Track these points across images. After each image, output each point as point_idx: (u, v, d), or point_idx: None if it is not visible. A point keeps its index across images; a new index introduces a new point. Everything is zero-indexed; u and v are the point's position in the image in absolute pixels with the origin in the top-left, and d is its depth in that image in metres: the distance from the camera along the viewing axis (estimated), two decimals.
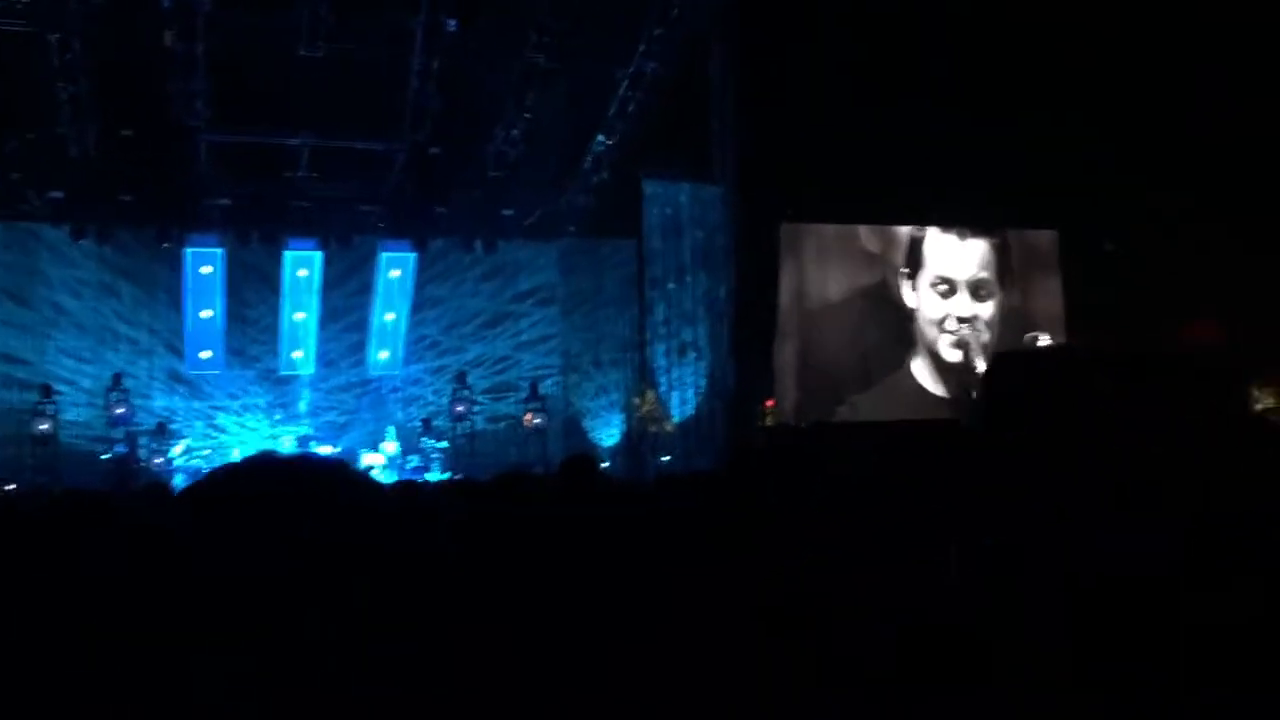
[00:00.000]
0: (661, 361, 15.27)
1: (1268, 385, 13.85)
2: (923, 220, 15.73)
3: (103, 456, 14.36)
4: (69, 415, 14.61)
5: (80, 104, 12.91)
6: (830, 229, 15.69)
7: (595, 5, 13.01)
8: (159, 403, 15.14)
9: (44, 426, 14.15)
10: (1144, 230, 14.78)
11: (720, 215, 14.70)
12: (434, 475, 14.46)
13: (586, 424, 16.33)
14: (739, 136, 14.22)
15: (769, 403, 15.07)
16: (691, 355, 15.11)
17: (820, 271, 15.57)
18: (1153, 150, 13.67)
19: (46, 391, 14.37)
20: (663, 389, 15.27)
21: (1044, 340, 15.46)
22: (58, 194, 14.11)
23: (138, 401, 14.80)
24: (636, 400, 15.85)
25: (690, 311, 15.12)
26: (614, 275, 16.27)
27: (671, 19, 13.42)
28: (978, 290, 15.94)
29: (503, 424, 16.31)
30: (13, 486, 13.36)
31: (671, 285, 15.32)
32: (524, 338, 16.54)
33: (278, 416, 15.48)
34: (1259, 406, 13.93)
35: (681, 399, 15.20)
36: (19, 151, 13.48)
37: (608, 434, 16.16)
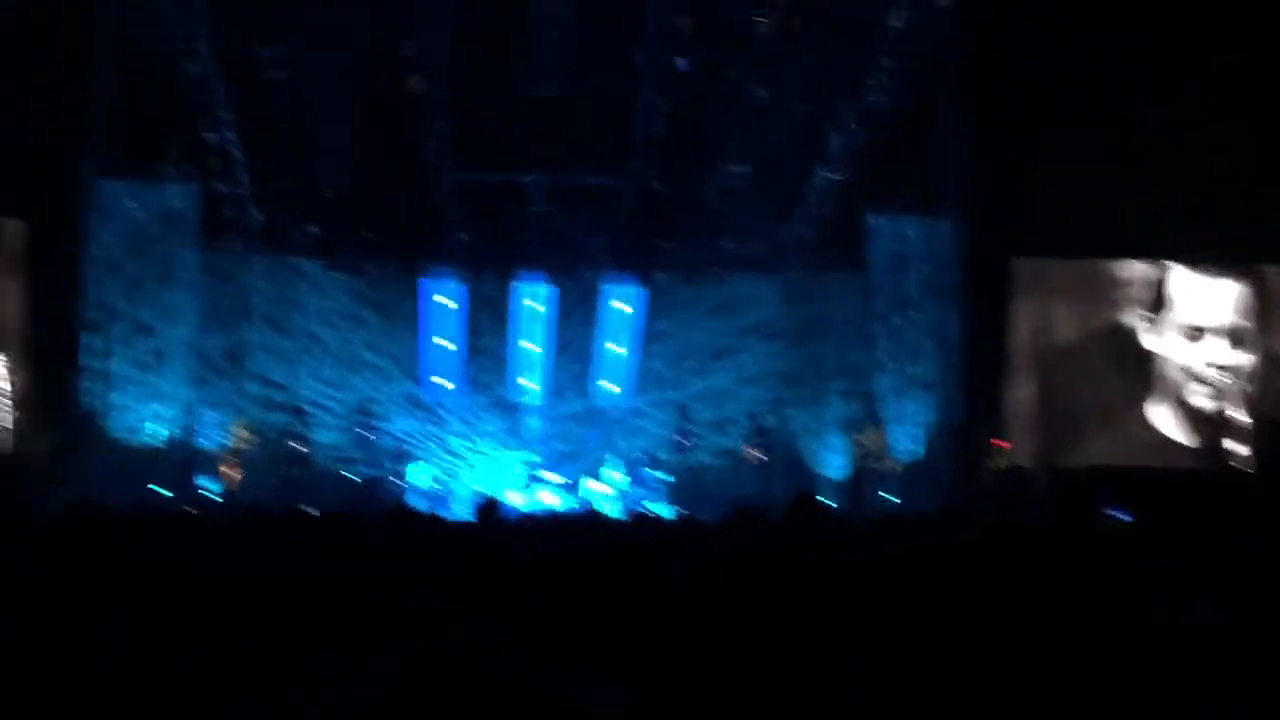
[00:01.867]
0: (887, 397, 14.96)
1: None
2: (1169, 255, 14.70)
3: (349, 477, 15.23)
4: (320, 437, 15.58)
5: (337, 146, 13.86)
6: (1067, 265, 14.94)
7: (821, 39, 12.99)
8: (399, 427, 15.94)
9: (299, 448, 15.13)
10: None
11: (950, 249, 14.34)
12: (658, 507, 14.63)
13: (808, 459, 16.16)
14: (970, 168, 13.85)
15: (1000, 443, 14.51)
16: (918, 391, 14.75)
17: (1056, 309, 14.86)
18: None
19: (300, 414, 15.38)
20: (887, 425, 14.95)
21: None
22: (314, 229, 15.15)
23: (382, 425, 15.64)
24: (860, 437, 15.58)
25: (917, 347, 14.77)
26: (838, 309, 16.05)
27: (899, 51, 13.24)
28: (1232, 336, 14.73)
29: (725, 458, 16.33)
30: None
31: (897, 320, 15.01)
32: (746, 372, 16.52)
33: (509, 443, 16.03)
34: None
35: (907, 436, 14.85)
36: (283, 190, 14.57)
37: (831, 470, 15.94)
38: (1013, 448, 14.40)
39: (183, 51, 12.67)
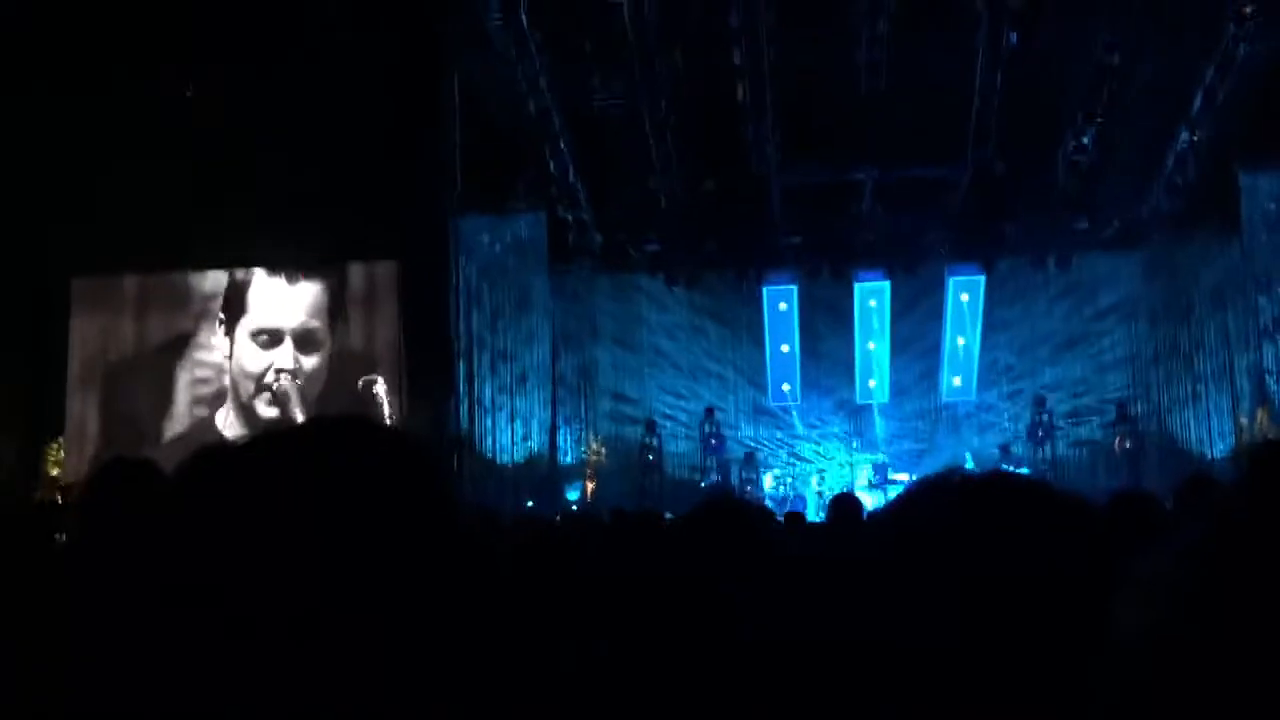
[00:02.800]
0: (1276, 369, 13.51)
1: None
2: None
3: (701, 485, 15.56)
4: (670, 447, 16.03)
5: (669, 163, 14.25)
6: None
7: None
8: (746, 433, 16.14)
9: (650, 458, 15.64)
10: None
11: None
12: None
13: (1184, 447, 14.88)
14: None
15: None
16: None
17: None
18: None
19: (651, 426, 15.89)
20: (1278, 403, 13.50)
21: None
22: (653, 246, 15.64)
23: (727, 432, 15.89)
24: (1245, 417, 14.15)
25: None
26: (1212, 280, 14.69)
27: None
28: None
29: (1085, 449, 15.36)
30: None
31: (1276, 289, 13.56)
32: (1106, 357, 15.50)
33: (854, 445, 15.84)
34: None
35: None
36: (621, 211, 15.15)
37: (1211, 455, 14.59)
38: None
39: (523, 93, 13.45)
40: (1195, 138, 13.44)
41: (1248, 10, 11.79)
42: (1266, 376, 13.65)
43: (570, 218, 15.20)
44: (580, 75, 13.55)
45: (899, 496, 1.25)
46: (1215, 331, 14.68)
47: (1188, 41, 12.56)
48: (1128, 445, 14.72)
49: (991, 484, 1.13)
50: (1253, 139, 13.07)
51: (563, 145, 14.18)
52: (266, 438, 0.87)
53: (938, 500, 1.13)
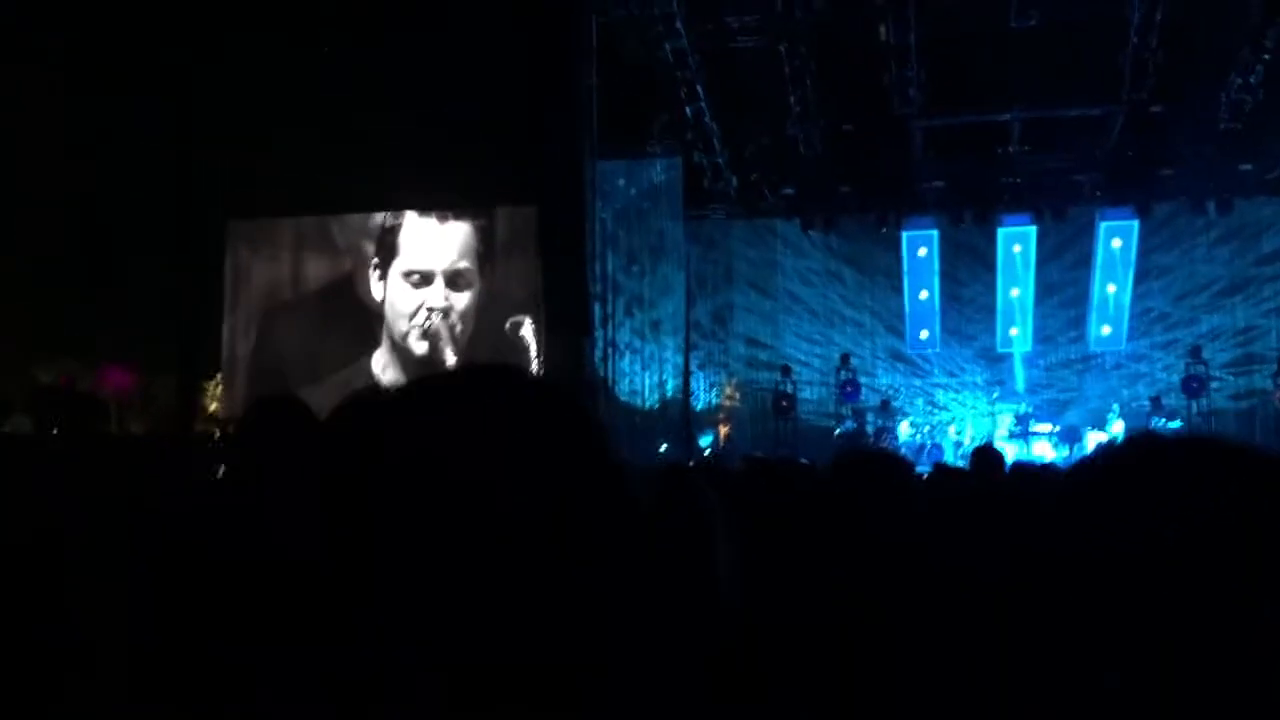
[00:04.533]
0: None
1: None
2: None
3: (835, 432, 15.43)
4: (804, 394, 15.92)
5: (807, 105, 13.99)
6: None
7: None
8: (882, 380, 15.90)
9: (784, 404, 15.57)
10: None
11: None
12: None
13: None
14: None
15: None
16: None
17: None
18: None
19: (786, 371, 15.79)
20: None
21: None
22: (789, 190, 15.44)
23: (863, 380, 15.68)
24: None
25: None
26: None
27: None
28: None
29: (1246, 401, 14.68)
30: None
31: None
32: (1270, 304, 14.72)
33: (995, 394, 15.45)
34: None
35: None
36: (757, 155, 14.98)
37: None
38: None
39: (660, 34, 13.35)
40: None
41: None
42: None
43: (706, 161, 15.10)
44: (717, 15, 13.38)
45: (1094, 453, 1.14)
46: None
47: None
48: None
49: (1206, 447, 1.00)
50: None
51: (699, 88, 14.06)
52: (420, 384, 0.89)
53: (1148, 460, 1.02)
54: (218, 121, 13.80)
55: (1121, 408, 14.57)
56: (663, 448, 14.37)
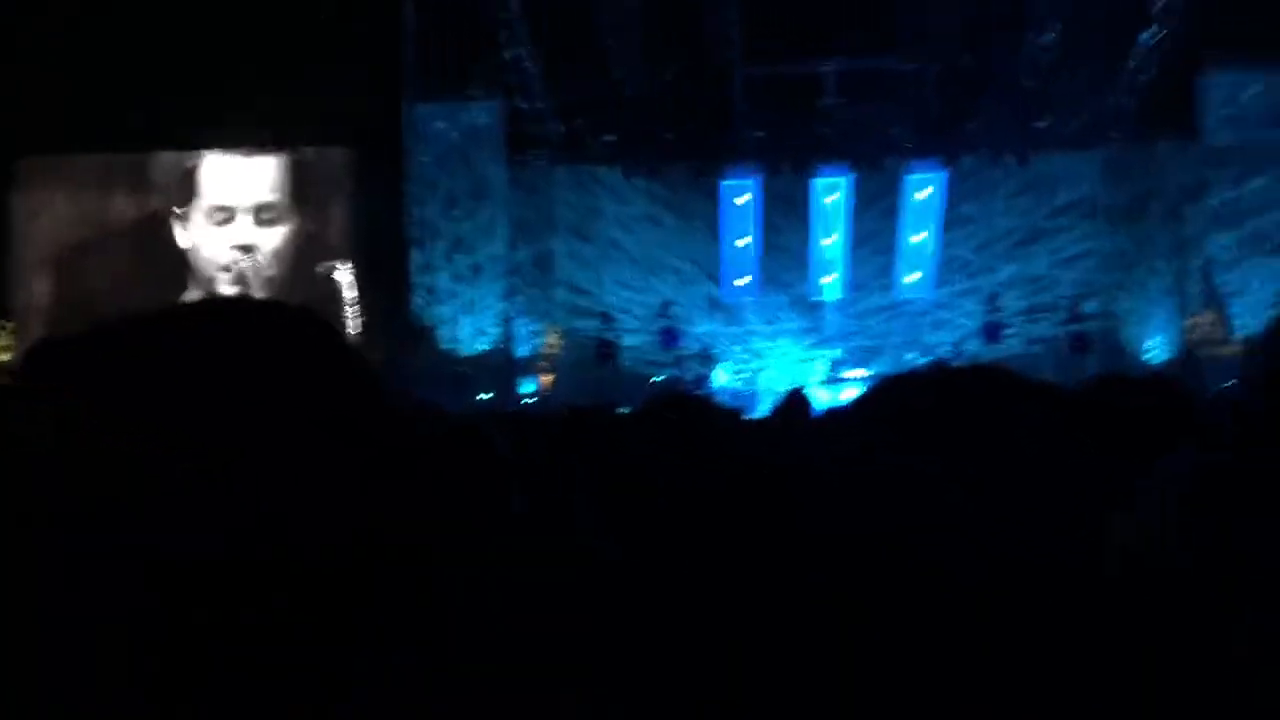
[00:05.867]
0: (1227, 273, 13.67)
1: None
2: None
3: (653, 379, 15.60)
4: (627, 341, 16.01)
5: (629, 52, 13.95)
6: None
7: None
8: (701, 328, 16.13)
9: (606, 352, 15.63)
10: None
11: None
12: None
13: (1131, 346, 15.11)
14: None
15: None
16: (1262, 267, 13.38)
17: None
18: None
19: (606, 319, 15.85)
20: (1228, 304, 13.68)
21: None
22: (612, 137, 15.40)
23: (683, 328, 15.88)
24: (1194, 319, 14.35)
25: (1262, 218, 13.36)
26: (1167, 181, 14.76)
27: None
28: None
29: (1039, 346, 15.55)
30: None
31: (1234, 191, 13.62)
32: (1063, 254, 15.59)
33: (809, 341, 15.90)
34: None
35: (1251, 316, 13.53)
36: (580, 101, 14.86)
37: (1160, 356, 14.83)
38: None
39: None
40: (1156, 38, 13.34)
41: None
42: (1213, 276, 13.82)
43: (528, 106, 14.91)
44: None
45: (868, 390, 1.21)
46: (1170, 233, 14.79)
47: None
48: (1078, 343, 14.91)
49: (964, 373, 1.11)
50: (1211, 40, 13.00)
51: (520, 31, 13.83)
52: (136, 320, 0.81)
53: (909, 391, 1.10)
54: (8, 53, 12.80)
55: (926, 352, 15.22)
56: (486, 396, 14.25)
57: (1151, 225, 14.98)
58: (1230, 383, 13.42)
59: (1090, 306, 15.37)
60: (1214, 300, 13.90)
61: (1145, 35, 13.46)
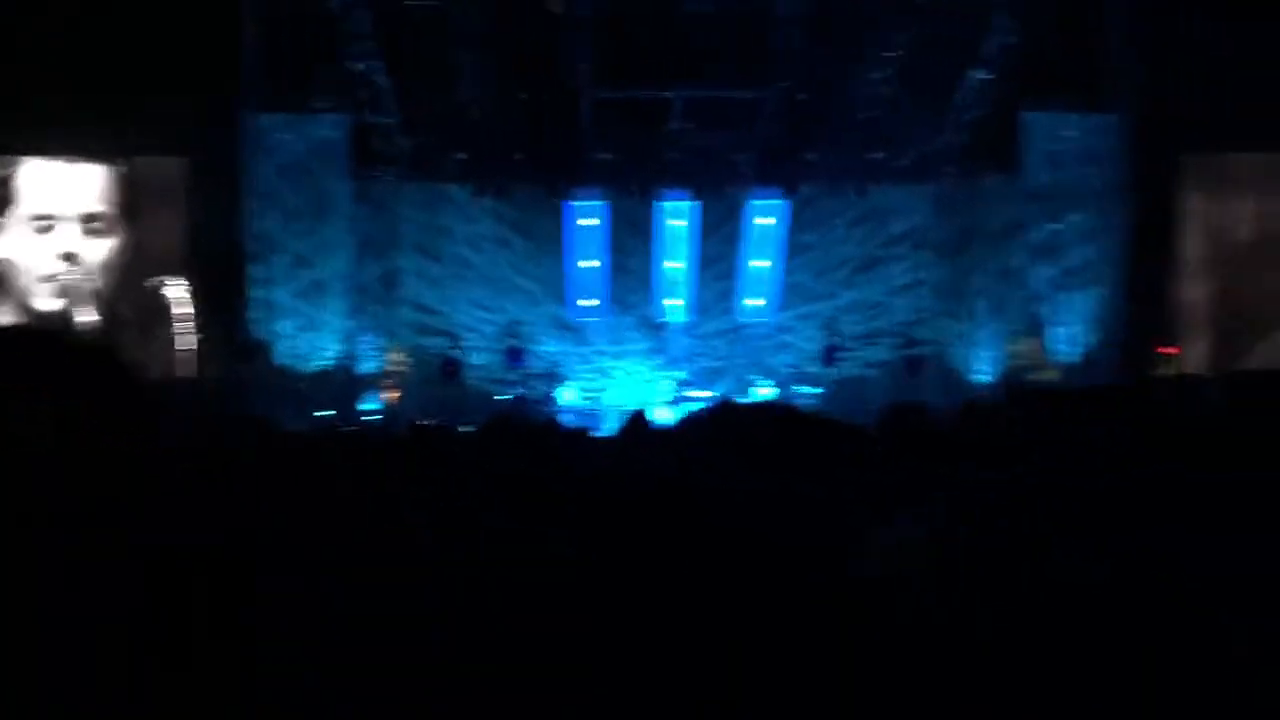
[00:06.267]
0: (1046, 304, 14.46)
1: None
2: None
3: (498, 398, 15.58)
4: (473, 360, 15.94)
5: (478, 71, 13.93)
6: (1249, 159, 13.96)
7: None
8: (548, 348, 16.18)
9: (452, 370, 15.52)
10: None
11: (1113, 147, 13.64)
12: None
13: (961, 370, 15.81)
14: (1133, 61, 13.09)
15: (1169, 350, 13.88)
16: (1079, 297, 14.19)
17: (1238, 206, 13.95)
18: None
19: (453, 337, 15.75)
20: (1046, 333, 14.46)
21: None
22: (462, 155, 15.34)
23: (530, 347, 15.91)
24: (1016, 345, 15.13)
25: (1077, 251, 14.18)
26: (993, 215, 15.53)
27: None
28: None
29: (874, 370, 16.12)
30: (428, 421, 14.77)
31: (1056, 224, 14.43)
32: (897, 283, 16.23)
33: (655, 362, 16.13)
34: None
35: (1067, 344, 14.34)
36: (429, 118, 14.76)
37: (986, 380, 15.55)
38: (1182, 353, 13.76)
39: None
40: (986, 77, 14.05)
41: None
42: (1037, 310, 14.59)
43: (376, 121, 14.72)
44: None
45: (680, 422, 1.30)
46: (994, 264, 15.55)
47: None
48: (911, 367, 15.54)
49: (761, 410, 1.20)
50: (1036, 81, 13.77)
51: (369, 44, 13.66)
52: None
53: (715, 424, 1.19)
54: None
55: (768, 375, 15.63)
56: (327, 414, 13.96)
57: (978, 257, 15.72)
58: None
59: (922, 332, 16.03)
60: (1034, 328, 14.67)
61: (974, 76, 14.15)
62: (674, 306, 16.04)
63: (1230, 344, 13.74)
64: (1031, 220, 14.49)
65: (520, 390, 15.52)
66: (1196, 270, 13.91)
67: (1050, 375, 14.55)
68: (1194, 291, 13.99)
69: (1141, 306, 13.62)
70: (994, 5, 13.31)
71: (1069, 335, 14.34)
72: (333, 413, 13.89)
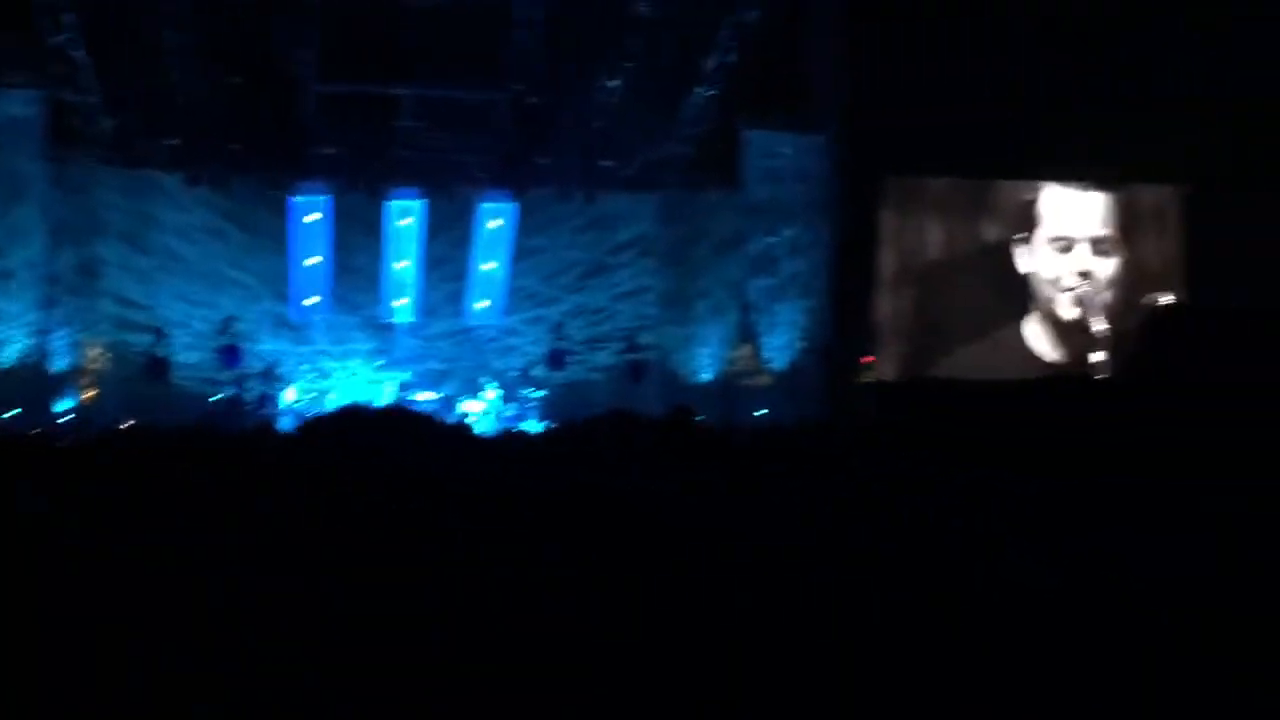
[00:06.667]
0: (760, 315, 15.17)
1: None
2: (1036, 175, 15.01)
3: (211, 399, 14.81)
4: (183, 357, 15.07)
5: (189, 52, 13.19)
6: (944, 182, 15.16)
7: None
8: (266, 346, 15.52)
9: (158, 368, 14.61)
10: (1270, 186, 14.12)
11: (823, 165, 14.49)
12: (530, 424, 14.63)
13: (683, 375, 16.35)
14: (842, 85, 13.96)
15: (867, 359, 14.88)
16: (791, 306, 14.98)
17: (930, 226, 15.10)
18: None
19: (160, 334, 14.83)
20: (761, 342, 15.18)
21: (1164, 299, 14.70)
22: (173, 141, 14.48)
23: (246, 345, 15.20)
24: (733, 353, 15.80)
25: (790, 264, 14.97)
26: (714, 226, 16.17)
27: None
28: (1098, 246, 15.12)
29: (600, 374, 16.42)
30: (131, 423, 13.86)
31: (771, 237, 15.17)
32: (622, 289, 16.58)
33: (379, 363, 15.77)
34: None
35: (780, 350, 15.11)
36: (136, 99, 13.84)
37: (704, 385, 16.15)
38: (878, 361, 14.77)
39: None
40: (710, 92, 14.61)
41: None
42: (750, 314, 15.29)
43: (75, 100, 13.67)
44: None
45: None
46: (714, 272, 16.18)
47: (710, 1, 13.60)
48: (634, 372, 15.93)
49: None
50: (758, 99, 14.45)
51: (69, 15, 12.69)
52: None
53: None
54: None
55: (495, 378, 15.62)
56: (15, 413, 12.88)
57: (700, 266, 16.31)
58: (762, 411, 14.93)
59: (646, 338, 16.45)
60: (750, 336, 15.37)
61: (698, 91, 14.68)
62: (400, 307, 15.75)
63: (920, 354, 14.87)
64: (749, 232, 15.16)
65: (234, 390, 14.81)
66: (892, 285, 14.96)
67: (764, 381, 15.29)
68: (890, 304, 15.04)
69: (845, 317, 14.52)
70: (718, 24, 13.85)
71: (780, 343, 15.10)
72: (18, 411, 12.82)
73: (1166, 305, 14.19)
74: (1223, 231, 14.54)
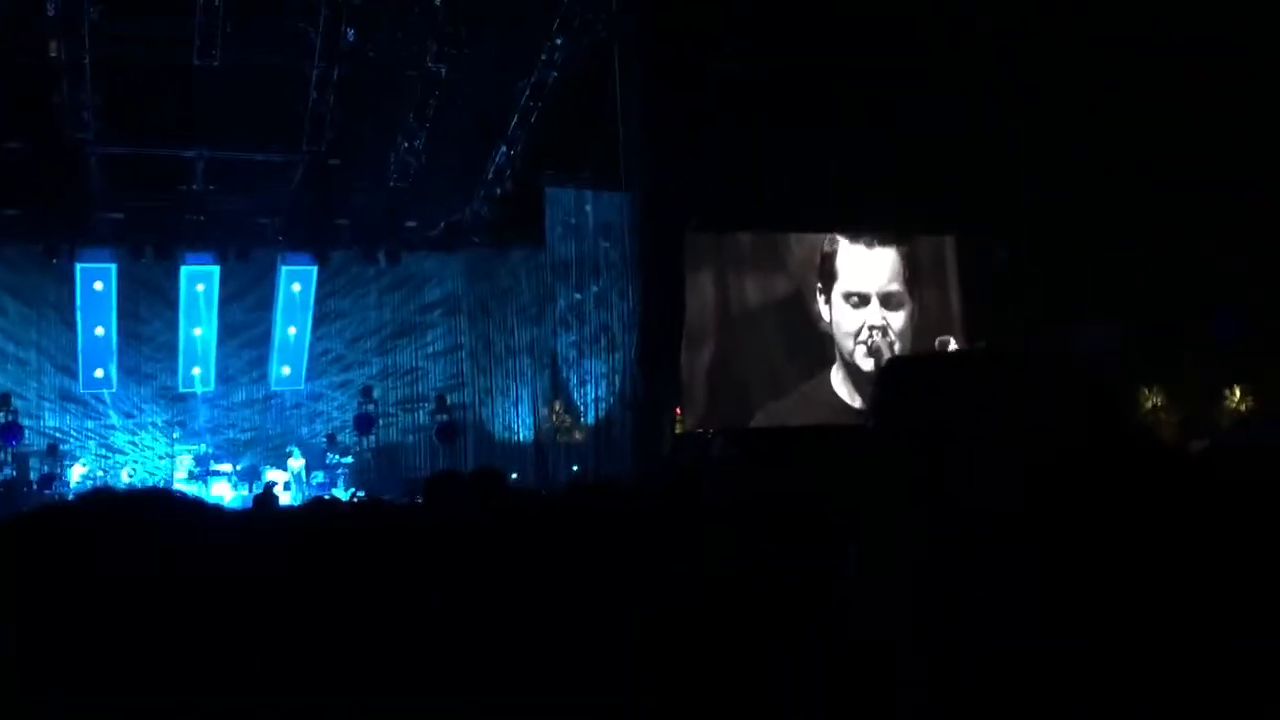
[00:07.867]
0: (570, 370, 15.22)
1: (1157, 386, 14.31)
2: (829, 228, 15.58)
3: None
4: None
5: None
6: (744, 238, 15.55)
7: (496, 15, 12.94)
8: (50, 423, 14.65)
9: None
10: (1038, 234, 15.05)
11: (625, 223, 14.71)
12: (339, 491, 14.21)
13: (497, 434, 16.23)
14: (642, 144, 14.23)
15: (679, 411, 15.07)
16: (599, 363, 15.08)
17: (732, 281, 15.43)
18: (1046, 153, 13.92)
19: None
20: (573, 398, 15.21)
21: (953, 345, 15.41)
22: None
23: (27, 422, 14.29)
24: (546, 410, 15.78)
25: (597, 320, 15.09)
26: (521, 285, 16.21)
27: (573, 27, 13.41)
28: (889, 300, 15.80)
29: (411, 435, 16.13)
30: None
31: (577, 294, 15.26)
32: (431, 349, 16.39)
33: (176, 434, 15.08)
34: (1149, 405, 14.35)
35: (591, 407, 15.17)
36: None
37: (518, 443, 16.07)
38: (685, 414, 14.97)
39: None
40: (511, 152, 14.67)
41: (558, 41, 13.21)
42: (561, 370, 15.32)
43: None
44: None
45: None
46: (523, 329, 16.19)
47: (509, 62, 13.68)
48: (445, 433, 15.70)
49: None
50: (559, 158, 14.59)
51: None
52: None
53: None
54: None
55: (300, 444, 15.12)
56: None
57: (508, 324, 16.29)
58: (576, 468, 14.91)
59: (458, 397, 16.27)
60: (562, 392, 15.38)
61: (500, 151, 14.72)
62: (197, 375, 15.11)
63: (729, 406, 15.15)
64: (556, 289, 15.23)
65: (12, 471, 13.85)
66: (697, 338, 15.22)
67: (579, 436, 15.29)
68: (695, 357, 15.27)
69: (656, 371, 14.68)
70: (517, 85, 13.93)
71: (592, 399, 15.16)
72: None
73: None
74: (990, 278, 15.49)
